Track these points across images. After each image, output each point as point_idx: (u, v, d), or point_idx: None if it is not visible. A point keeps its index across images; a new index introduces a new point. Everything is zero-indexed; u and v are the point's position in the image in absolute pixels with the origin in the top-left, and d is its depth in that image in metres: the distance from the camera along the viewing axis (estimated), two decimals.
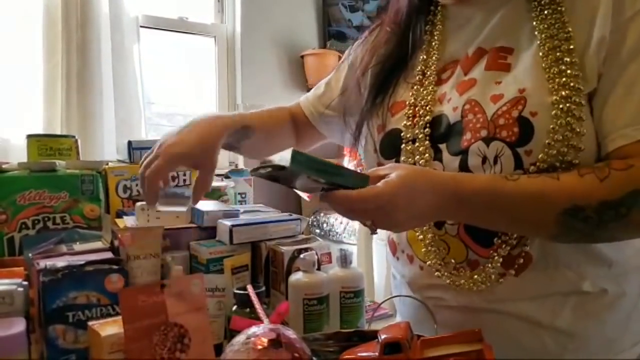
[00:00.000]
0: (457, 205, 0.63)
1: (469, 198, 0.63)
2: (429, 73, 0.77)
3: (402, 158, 0.75)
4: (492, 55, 0.71)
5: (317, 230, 2.60)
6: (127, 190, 1.06)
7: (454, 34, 0.78)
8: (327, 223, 2.56)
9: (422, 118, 0.74)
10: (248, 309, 0.68)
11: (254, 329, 0.53)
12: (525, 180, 0.62)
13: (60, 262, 0.71)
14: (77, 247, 0.85)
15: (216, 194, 1.18)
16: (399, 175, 0.61)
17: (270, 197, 2.30)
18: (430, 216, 0.67)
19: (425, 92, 0.75)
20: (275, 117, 0.96)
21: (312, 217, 2.67)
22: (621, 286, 0.70)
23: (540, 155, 0.63)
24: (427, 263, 0.73)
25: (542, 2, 0.68)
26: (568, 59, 0.64)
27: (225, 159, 2.86)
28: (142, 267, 0.79)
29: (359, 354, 0.56)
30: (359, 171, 0.64)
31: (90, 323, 0.61)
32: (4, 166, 0.98)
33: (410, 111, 0.75)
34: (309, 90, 1.02)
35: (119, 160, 1.21)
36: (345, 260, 0.81)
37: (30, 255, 0.77)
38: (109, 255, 0.78)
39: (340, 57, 1.01)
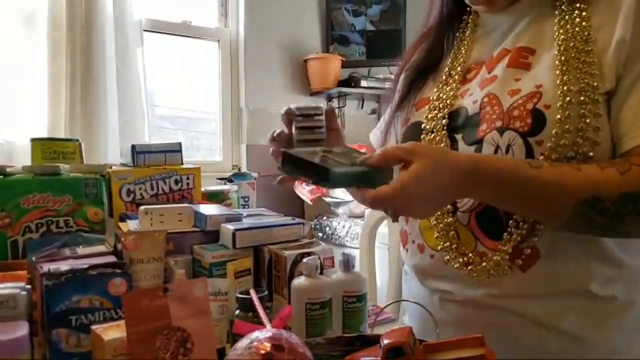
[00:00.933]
0: (474, 184, 0.65)
1: (488, 177, 0.64)
2: (454, 73, 0.81)
3: None
4: (514, 54, 0.74)
5: (320, 234, 2.60)
6: (130, 194, 1.07)
7: (481, 39, 0.83)
8: (329, 227, 2.56)
9: (441, 111, 0.78)
10: (251, 313, 0.68)
11: (256, 334, 0.53)
12: (547, 166, 0.64)
13: (63, 266, 0.71)
14: (81, 250, 0.85)
15: (219, 198, 1.18)
16: (415, 170, 0.60)
17: (273, 201, 2.31)
18: (449, 198, 0.70)
19: (448, 88, 0.80)
20: None
21: (315, 220, 2.67)
22: (631, 294, 0.70)
23: (549, 144, 0.65)
24: (439, 247, 0.75)
25: (566, 8, 0.71)
26: (586, 59, 0.66)
27: (228, 162, 2.87)
28: (145, 270, 0.79)
29: (362, 359, 0.56)
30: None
31: (93, 327, 0.61)
32: (8, 169, 0.98)
33: (433, 106, 0.80)
34: (311, 94, 1.04)
35: (123, 164, 1.21)
36: (347, 264, 0.81)
37: (33, 258, 0.77)
38: (112, 259, 0.78)
39: (342, 61, 1.05)
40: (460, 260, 0.73)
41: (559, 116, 0.65)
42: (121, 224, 0.99)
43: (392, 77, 0.97)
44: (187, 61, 2.83)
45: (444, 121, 0.77)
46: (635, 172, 0.61)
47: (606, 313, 0.69)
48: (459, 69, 0.81)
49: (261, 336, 0.52)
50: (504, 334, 0.69)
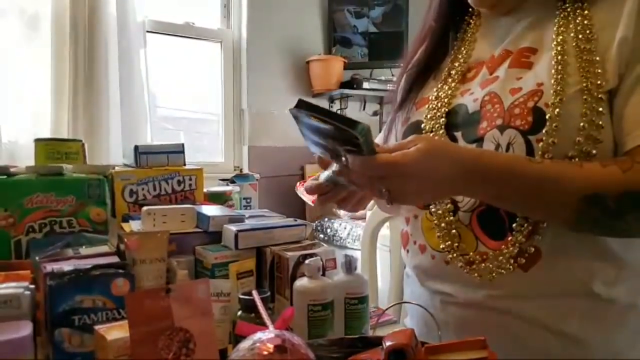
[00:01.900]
0: (474, 178, 0.64)
1: (488, 172, 0.64)
2: (454, 72, 0.82)
3: None
4: (516, 55, 0.74)
5: (321, 235, 2.60)
6: (133, 195, 1.07)
7: (482, 39, 0.83)
8: (331, 228, 2.56)
9: (440, 110, 0.78)
10: (253, 314, 0.68)
11: (259, 335, 0.53)
12: (548, 163, 0.64)
13: (66, 266, 0.71)
14: (84, 251, 0.85)
15: (222, 199, 1.18)
16: (418, 148, 0.61)
17: (275, 202, 2.31)
18: (447, 189, 0.67)
19: (447, 87, 0.80)
20: None
21: (317, 222, 2.68)
22: (634, 296, 0.69)
23: (550, 142, 0.65)
24: (440, 247, 0.75)
25: (569, 7, 0.71)
26: (589, 58, 0.66)
27: (230, 163, 2.87)
28: (148, 271, 0.79)
29: None
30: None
31: (96, 327, 0.61)
32: (11, 170, 0.99)
33: (432, 105, 0.80)
34: (313, 96, 1.04)
35: (125, 165, 1.21)
36: (349, 266, 0.81)
37: (37, 258, 0.78)
38: (115, 259, 0.78)
39: (345, 63, 1.06)
40: (462, 260, 0.72)
41: (559, 114, 0.64)
42: (124, 225, 0.99)
43: (394, 79, 0.97)
44: (189, 62, 2.83)
45: (442, 120, 0.77)
46: (637, 170, 0.61)
47: (609, 315, 0.69)
48: (458, 68, 0.82)
49: (264, 337, 0.52)
50: (505, 336, 0.69)
